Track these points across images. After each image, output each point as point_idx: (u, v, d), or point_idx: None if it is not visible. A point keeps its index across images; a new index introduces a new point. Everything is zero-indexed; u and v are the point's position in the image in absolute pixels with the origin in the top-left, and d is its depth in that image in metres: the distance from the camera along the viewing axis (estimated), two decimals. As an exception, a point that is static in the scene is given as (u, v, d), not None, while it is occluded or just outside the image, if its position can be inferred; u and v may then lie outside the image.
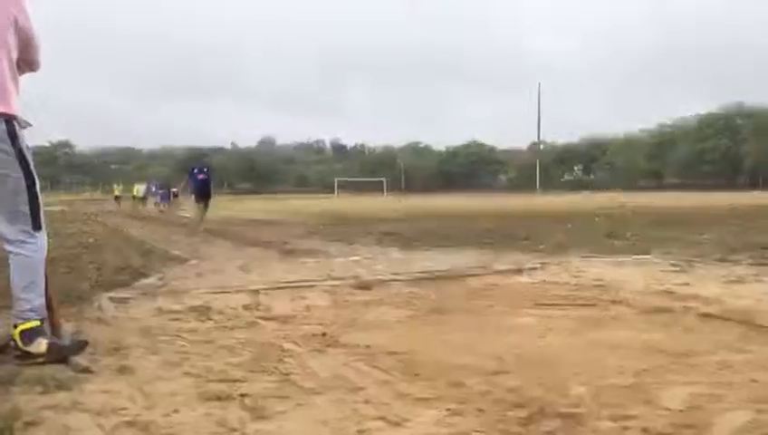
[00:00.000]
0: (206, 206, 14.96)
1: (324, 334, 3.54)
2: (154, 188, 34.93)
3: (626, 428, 2.02)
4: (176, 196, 34.50)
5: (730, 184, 72.91)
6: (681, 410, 2.16)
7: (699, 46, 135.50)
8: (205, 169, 15.15)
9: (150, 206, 33.85)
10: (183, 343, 3.39)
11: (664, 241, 8.90)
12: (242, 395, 2.45)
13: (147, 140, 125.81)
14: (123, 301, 4.73)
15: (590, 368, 2.76)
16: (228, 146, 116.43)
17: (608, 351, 3.11)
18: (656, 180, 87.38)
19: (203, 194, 14.90)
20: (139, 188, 37.23)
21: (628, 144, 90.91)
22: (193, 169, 15.22)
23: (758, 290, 4.83)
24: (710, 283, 5.21)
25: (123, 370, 2.84)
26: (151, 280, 5.93)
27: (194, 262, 7.55)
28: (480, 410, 2.22)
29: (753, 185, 70.11)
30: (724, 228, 10.77)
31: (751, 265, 6.25)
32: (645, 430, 2.00)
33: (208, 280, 5.94)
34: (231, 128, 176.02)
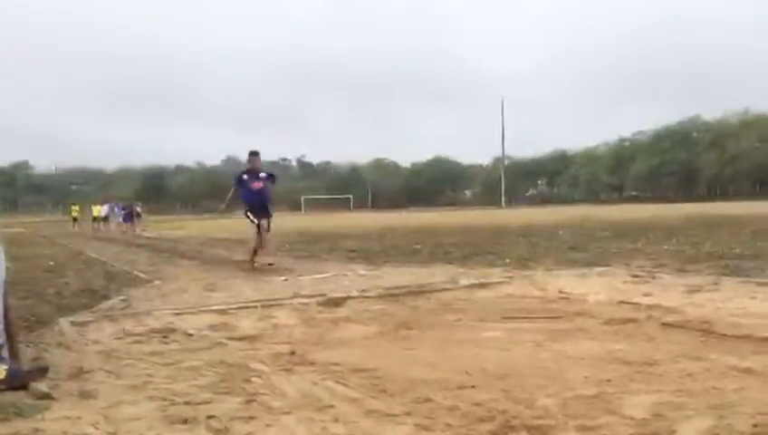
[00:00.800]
0: (268, 225, 9.10)
1: (292, 353, 3.52)
2: (117, 209, 34.26)
3: (591, 438, 2.05)
4: (139, 216, 33.91)
5: (688, 195, 74.78)
6: (644, 419, 2.20)
7: (657, 61, 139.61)
8: (263, 175, 9.08)
9: (113, 226, 33.21)
10: (146, 365, 3.33)
11: (626, 253, 9.07)
12: (208, 417, 2.42)
13: (108, 159, 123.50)
14: (85, 324, 4.62)
15: (556, 379, 2.79)
16: (193, 165, 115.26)
17: (573, 362, 3.15)
18: (617, 193, 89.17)
19: (261, 208, 9.05)
20: (100, 209, 36.49)
21: (590, 158, 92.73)
22: (242, 176, 9.06)
23: (717, 299, 4.95)
24: (671, 293, 5.33)
25: (85, 395, 2.78)
26: (113, 302, 5.82)
27: (157, 283, 7.43)
28: (448, 425, 2.23)
29: (710, 196, 72.08)
30: (683, 239, 11.03)
31: (709, 274, 6.41)
32: (610, 439, 2.03)
33: (172, 301, 5.85)
34: (195, 146, 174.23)
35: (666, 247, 9.54)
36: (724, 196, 72.25)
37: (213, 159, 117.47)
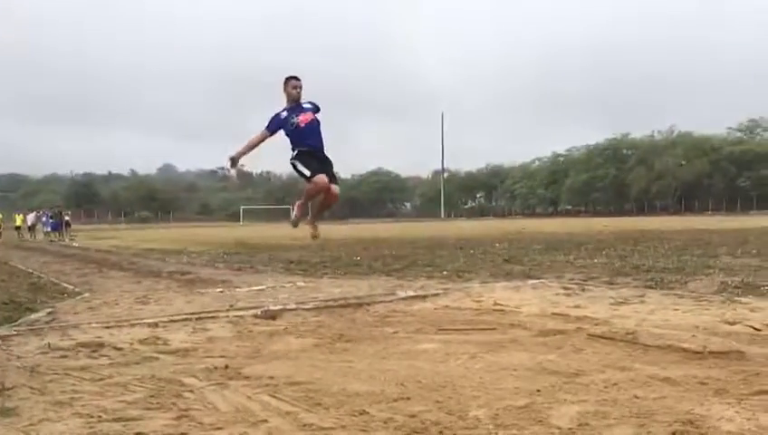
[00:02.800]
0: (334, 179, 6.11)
1: (226, 367, 3.47)
2: (45, 217, 32.89)
3: (520, 447, 2.10)
4: (68, 225, 32.70)
5: (618, 210, 77.63)
6: (570, 429, 2.27)
7: (590, 81, 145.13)
8: (308, 106, 6.01)
9: (40, 236, 31.87)
10: (73, 381, 3.22)
11: (559, 265, 9.34)
12: (137, 434, 2.36)
13: (36, 166, 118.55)
14: (7, 338, 4.43)
15: (488, 390, 2.86)
16: (126, 173, 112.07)
17: (506, 373, 3.23)
18: (552, 206, 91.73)
19: (317, 152, 6.02)
20: (23, 218, 34.94)
21: (526, 173, 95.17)
22: (280, 113, 5.95)
23: (642, 311, 5.16)
24: (599, 305, 5.52)
25: (7, 412, 2.66)
26: (39, 315, 5.59)
27: (86, 295, 7.18)
28: (382, 438, 2.25)
29: (638, 210, 74.99)
30: (612, 252, 11.44)
31: (636, 287, 6.68)
32: (537, 448, 2.09)
33: (102, 314, 5.67)
34: (128, 154, 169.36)
35: (596, 261, 9.87)
36: (651, 211, 75.33)
37: (148, 167, 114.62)
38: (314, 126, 5.96)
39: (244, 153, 5.94)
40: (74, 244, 24.46)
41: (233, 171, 6.27)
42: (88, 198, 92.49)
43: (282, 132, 5.90)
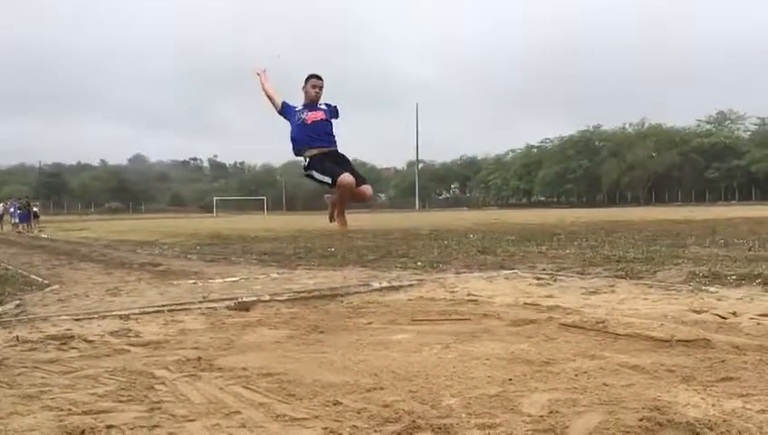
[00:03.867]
0: (356, 174, 5.45)
1: (199, 359, 3.45)
2: (12, 209, 32.19)
3: (492, 435, 2.13)
4: (36, 216, 32.11)
5: (590, 201, 78.66)
6: (541, 416, 2.31)
7: (563, 73, 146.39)
8: (323, 106, 5.60)
9: (8, 227, 31.23)
10: (42, 374, 3.17)
11: (531, 256, 9.44)
12: (108, 427, 2.33)
13: (3, 156, 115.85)
14: (-27, 332, 4.34)
15: (461, 380, 2.88)
16: (96, 163, 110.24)
17: (478, 362, 3.26)
18: (526, 197, 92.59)
19: (327, 152, 5.56)
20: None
21: (500, 164, 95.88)
22: (294, 107, 5.63)
23: (612, 300, 5.25)
24: (570, 294, 5.60)
25: (-27, 407, 2.61)
26: (7, 308, 5.49)
27: (56, 287, 7.07)
28: (355, 427, 2.26)
29: (610, 201, 76.06)
30: (584, 243, 11.59)
31: (606, 277, 6.78)
32: (509, 436, 2.12)
33: (72, 306, 5.59)
34: (99, 144, 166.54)
35: (568, 251, 10.00)
36: (623, 202, 76.46)
37: (118, 157, 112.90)
38: (322, 126, 5.51)
39: (264, 89, 5.68)
40: (43, 235, 24.03)
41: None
42: (57, 188, 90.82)
43: (288, 123, 5.61)
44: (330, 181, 5.33)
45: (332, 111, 5.62)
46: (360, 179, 5.41)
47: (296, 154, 5.65)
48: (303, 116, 5.48)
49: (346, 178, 5.22)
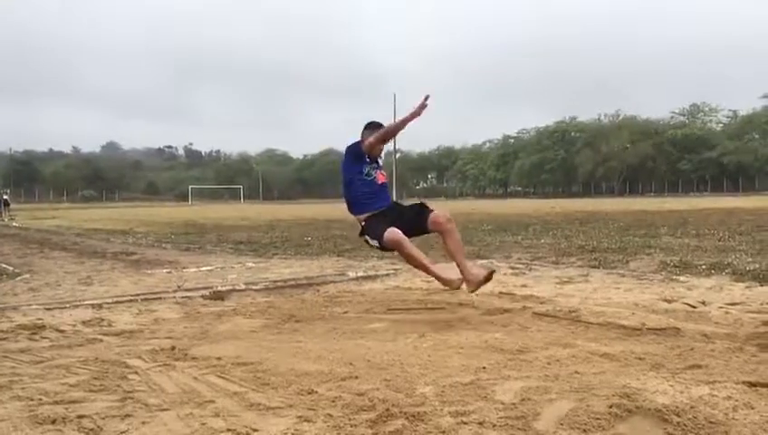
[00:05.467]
0: (429, 211, 4.73)
1: (173, 348, 3.42)
2: (-19, 197, 31.59)
3: (464, 422, 2.15)
4: (7, 205, 31.56)
5: (566, 191, 79.50)
6: (513, 403, 2.33)
7: (540, 65, 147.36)
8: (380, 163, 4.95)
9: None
10: (12, 364, 3.13)
11: (507, 246, 9.51)
12: (79, 416, 2.31)
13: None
14: (-59, 321, 4.26)
15: (436, 368, 2.90)
16: (68, 150, 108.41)
17: (452, 351, 3.28)
18: (502, 188, 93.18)
19: (390, 208, 4.81)
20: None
21: (477, 154, 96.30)
22: (363, 156, 4.72)
23: (585, 289, 5.33)
24: (544, 284, 5.66)
25: (-60, 398, 2.57)
26: (-24, 297, 5.39)
27: (26, 276, 6.96)
28: (329, 416, 2.26)
29: (585, 192, 76.91)
30: (559, 233, 11.71)
31: (580, 266, 6.86)
32: (481, 423, 2.14)
33: (43, 295, 5.51)
34: (71, 131, 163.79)
35: (543, 241, 10.09)
36: (598, 192, 77.35)
37: (91, 145, 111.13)
38: (385, 187, 4.80)
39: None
40: (14, 224, 23.60)
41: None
42: (28, 176, 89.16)
43: (349, 166, 4.69)
44: (378, 245, 4.52)
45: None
46: (421, 213, 4.59)
47: (354, 213, 4.79)
48: (374, 174, 4.71)
49: (390, 235, 4.36)
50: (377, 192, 4.69)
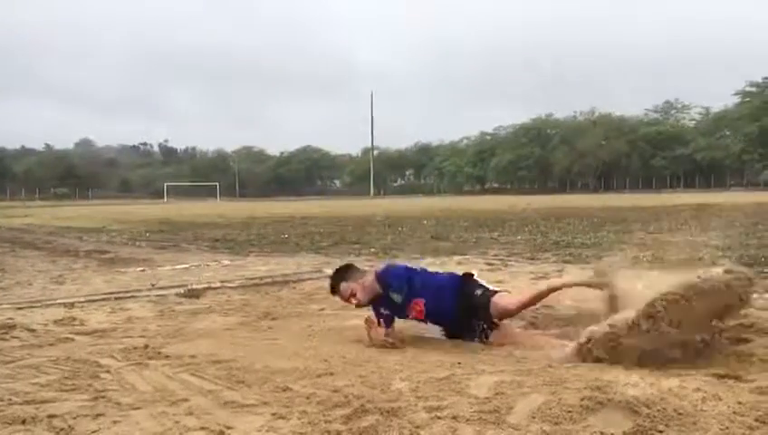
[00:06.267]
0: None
1: (146, 347, 3.39)
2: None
3: (438, 417, 2.16)
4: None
5: (542, 187, 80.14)
6: (487, 397, 2.35)
7: (517, 61, 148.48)
8: None
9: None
10: (-19, 364, 3.07)
11: (484, 242, 9.57)
12: (50, 416, 2.28)
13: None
14: None
15: (411, 364, 2.91)
16: (41, 147, 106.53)
17: (428, 347, 3.31)
18: (479, 184, 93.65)
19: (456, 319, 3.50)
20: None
21: (454, 151, 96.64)
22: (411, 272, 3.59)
23: (559, 284, 5.36)
24: (520, 279, 5.70)
25: None
26: (-57, 297, 5.28)
27: (-3, 275, 6.84)
28: (304, 412, 2.26)
29: (562, 189, 77.64)
30: (534, 229, 11.81)
31: (555, 262, 6.93)
32: (455, 417, 2.15)
33: (14, 294, 5.42)
34: (44, 128, 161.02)
35: (519, 237, 10.17)
36: (573, 189, 78.13)
37: (64, 142, 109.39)
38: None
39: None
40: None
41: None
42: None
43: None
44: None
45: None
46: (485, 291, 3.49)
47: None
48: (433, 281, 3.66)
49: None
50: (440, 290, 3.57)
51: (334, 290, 3.69)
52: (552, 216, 16.88)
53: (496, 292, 3.47)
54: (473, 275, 3.68)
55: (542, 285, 3.67)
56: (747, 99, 74.50)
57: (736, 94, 76.04)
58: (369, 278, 3.53)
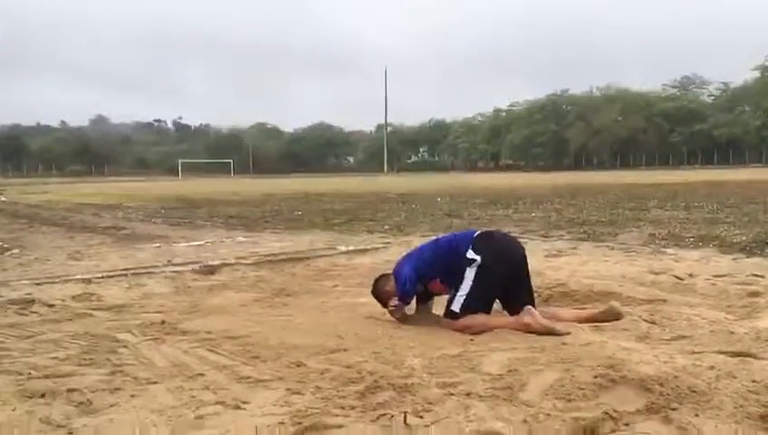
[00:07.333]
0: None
1: (163, 322, 3.43)
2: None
3: (451, 393, 2.18)
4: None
5: (558, 164, 79.45)
6: (500, 374, 2.36)
7: (532, 38, 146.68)
8: None
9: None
10: (1, 338, 3.13)
11: (497, 219, 9.54)
12: (69, 390, 2.32)
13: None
14: (-71, 297, 4.24)
15: (424, 341, 2.93)
16: (56, 124, 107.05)
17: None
18: (494, 161, 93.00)
19: None
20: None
21: (468, 128, 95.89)
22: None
23: (574, 262, 5.36)
24: (534, 257, 5.66)
25: (-71, 373, 2.57)
26: (-36, 273, 5.37)
27: (16, 251, 6.93)
28: (318, 388, 2.28)
29: (577, 165, 76.97)
30: (549, 206, 11.75)
31: (569, 239, 6.90)
32: (468, 394, 2.17)
33: (33, 270, 5.49)
34: (59, 105, 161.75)
35: (533, 214, 10.12)
36: (589, 166, 77.38)
37: (80, 119, 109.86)
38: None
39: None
40: (2, 198, 23.41)
41: None
42: (16, 150, 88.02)
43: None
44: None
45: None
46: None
47: None
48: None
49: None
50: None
51: (379, 299, 3.57)
52: (566, 193, 16.78)
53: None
54: (491, 233, 3.66)
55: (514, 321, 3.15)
56: (767, 73, 73.00)
57: (756, 69, 74.55)
58: (392, 284, 3.49)
